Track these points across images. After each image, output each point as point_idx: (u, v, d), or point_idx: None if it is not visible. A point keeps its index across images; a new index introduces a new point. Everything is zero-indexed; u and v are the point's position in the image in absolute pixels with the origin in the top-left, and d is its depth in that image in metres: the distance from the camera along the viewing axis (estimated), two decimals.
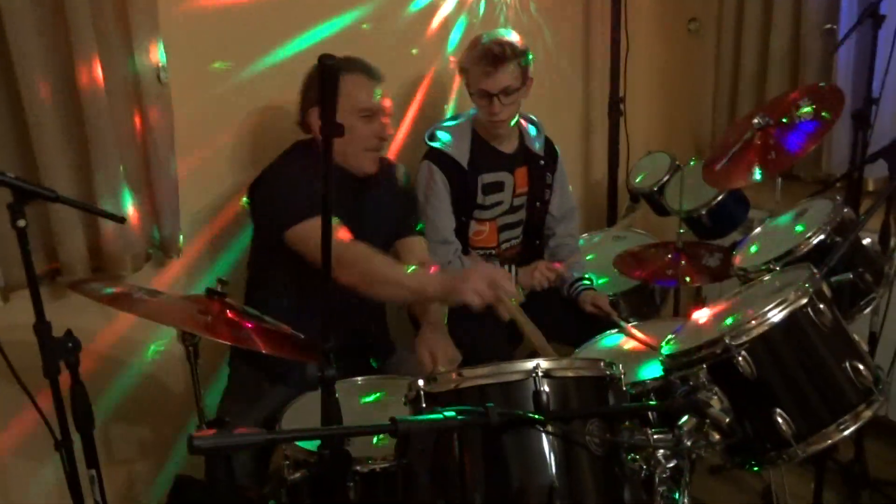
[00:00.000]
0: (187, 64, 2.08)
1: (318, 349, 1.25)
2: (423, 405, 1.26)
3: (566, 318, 2.45)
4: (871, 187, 2.56)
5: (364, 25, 2.43)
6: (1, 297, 1.83)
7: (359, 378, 1.90)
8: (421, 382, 1.27)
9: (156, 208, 2.06)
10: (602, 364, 1.32)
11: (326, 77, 0.94)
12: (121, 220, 1.61)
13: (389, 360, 2.17)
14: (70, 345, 1.44)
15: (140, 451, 2.27)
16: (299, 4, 2.29)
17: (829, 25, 2.61)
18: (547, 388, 1.21)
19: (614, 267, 2.37)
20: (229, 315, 1.51)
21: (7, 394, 1.65)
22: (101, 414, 2.12)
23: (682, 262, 2.27)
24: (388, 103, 2.03)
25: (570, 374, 1.27)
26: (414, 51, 2.58)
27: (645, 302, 2.56)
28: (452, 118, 2.45)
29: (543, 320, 2.50)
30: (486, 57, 2.21)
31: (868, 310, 1.85)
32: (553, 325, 2.53)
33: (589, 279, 2.48)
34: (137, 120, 1.96)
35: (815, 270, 1.54)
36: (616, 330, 2.17)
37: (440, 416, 1.04)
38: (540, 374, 1.21)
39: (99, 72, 1.82)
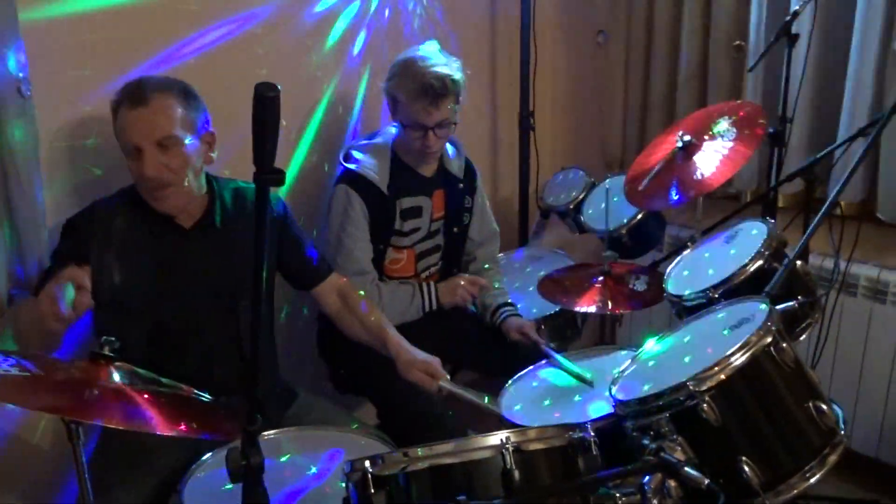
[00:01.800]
0: (54, 76, 1.79)
1: (237, 423, 1.04)
2: (371, 490, 1.06)
3: (489, 348, 2.30)
4: (781, 203, 2.57)
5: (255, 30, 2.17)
6: None
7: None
8: (367, 464, 1.07)
9: (19, 242, 1.74)
10: (569, 432, 1.17)
11: (262, 113, 0.73)
12: None
13: (289, 412, 1.91)
14: None
15: None
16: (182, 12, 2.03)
17: (738, 42, 2.62)
18: (514, 465, 1.05)
19: (540, 293, 2.25)
20: (119, 385, 1.23)
21: None
22: None
23: (609, 285, 2.19)
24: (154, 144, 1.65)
25: (539, 446, 1.11)
26: (312, 62, 2.35)
27: (567, 326, 2.45)
28: (368, 137, 2.24)
29: (465, 352, 2.39)
30: (427, 94, 2.01)
31: (804, 336, 1.81)
32: (475, 356, 2.40)
33: (513, 305, 2.34)
34: None
35: (770, 304, 1.46)
36: (545, 361, 2.04)
37: None
38: (510, 448, 1.04)
39: None
